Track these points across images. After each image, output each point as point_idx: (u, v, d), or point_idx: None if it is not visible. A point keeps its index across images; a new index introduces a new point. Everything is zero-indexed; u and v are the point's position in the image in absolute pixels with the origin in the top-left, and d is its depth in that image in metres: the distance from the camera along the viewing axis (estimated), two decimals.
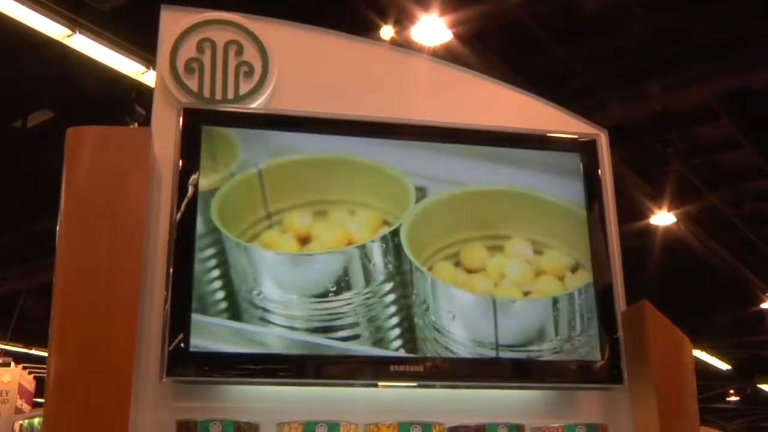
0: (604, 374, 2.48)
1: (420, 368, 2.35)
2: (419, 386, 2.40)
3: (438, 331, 2.40)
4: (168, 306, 2.27)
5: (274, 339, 2.30)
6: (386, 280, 2.41)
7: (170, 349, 2.23)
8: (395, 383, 2.36)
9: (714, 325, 10.37)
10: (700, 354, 11.12)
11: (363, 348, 2.34)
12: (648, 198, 8.83)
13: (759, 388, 14.19)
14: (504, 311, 2.45)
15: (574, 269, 2.53)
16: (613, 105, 6.87)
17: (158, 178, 2.45)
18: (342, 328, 2.34)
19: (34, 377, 8.87)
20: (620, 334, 2.52)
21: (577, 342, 2.47)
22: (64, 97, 6.90)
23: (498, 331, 2.42)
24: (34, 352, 9.96)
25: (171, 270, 2.29)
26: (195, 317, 2.26)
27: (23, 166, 7.60)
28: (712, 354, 11.59)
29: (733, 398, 15.22)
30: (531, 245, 2.53)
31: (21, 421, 7.69)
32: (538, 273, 2.51)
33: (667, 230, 9.20)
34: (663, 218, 9.08)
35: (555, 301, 2.49)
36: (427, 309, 2.42)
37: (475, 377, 2.42)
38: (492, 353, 2.40)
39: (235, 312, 2.30)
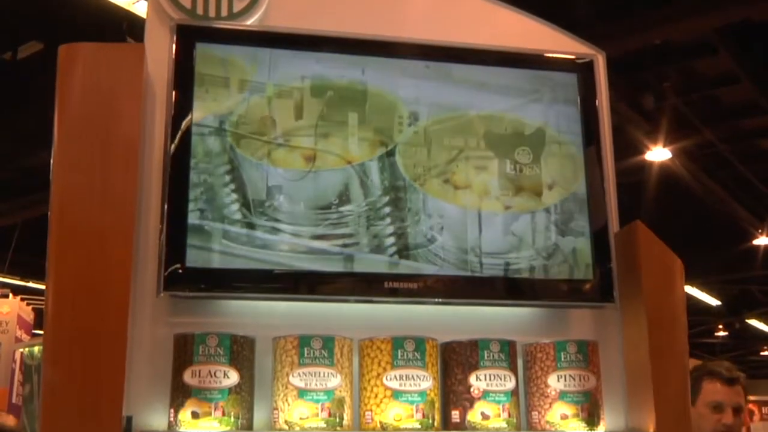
0: (595, 292, 2.51)
1: (414, 285, 2.39)
2: (413, 303, 2.43)
3: (428, 239, 2.46)
4: (164, 223, 2.29)
5: (279, 245, 2.34)
6: (383, 195, 2.47)
7: (167, 264, 2.25)
8: (390, 299, 2.39)
9: (705, 262, 10.46)
10: (690, 290, 11.26)
11: (361, 254, 2.39)
12: (643, 134, 8.82)
13: (747, 323, 14.42)
14: (487, 223, 2.52)
15: (551, 186, 2.60)
16: (610, 38, 6.80)
17: (152, 96, 2.44)
18: (343, 236, 2.39)
19: (33, 308, 8.96)
20: (613, 253, 2.55)
21: (561, 256, 2.53)
22: (54, 29, 6.80)
23: (482, 241, 2.50)
24: (31, 284, 10.04)
25: (167, 188, 2.31)
26: (196, 227, 2.28)
27: (14, 98, 7.53)
28: (702, 290, 11.74)
29: (722, 333, 15.49)
30: (514, 165, 2.59)
31: (21, 350, 7.81)
32: (519, 190, 2.57)
33: (662, 166, 9.21)
34: (658, 154, 9.07)
35: (533, 216, 2.56)
36: (419, 220, 2.47)
37: (468, 295, 2.46)
38: (476, 260, 2.47)
39: (243, 220, 2.34)
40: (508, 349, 2.34)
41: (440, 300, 2.44)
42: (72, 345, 2.12)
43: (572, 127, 2.67)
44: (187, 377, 2.16)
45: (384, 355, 2.24)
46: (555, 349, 2.36)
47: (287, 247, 2.35)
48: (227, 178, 2.37)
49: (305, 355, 2.20)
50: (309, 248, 2.37)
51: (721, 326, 15.37)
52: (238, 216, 2.35)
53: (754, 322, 14.43)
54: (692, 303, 11.61)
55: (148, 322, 2.34)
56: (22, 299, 8.85)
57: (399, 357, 2.24)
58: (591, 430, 2.32)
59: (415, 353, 2.25)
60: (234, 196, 2.36)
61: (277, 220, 2.37)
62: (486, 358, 2.30)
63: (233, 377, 2.17)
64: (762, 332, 15.16)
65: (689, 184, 9.50)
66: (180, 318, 2.34)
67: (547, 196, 2.60)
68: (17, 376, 8.22)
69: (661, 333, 2.46)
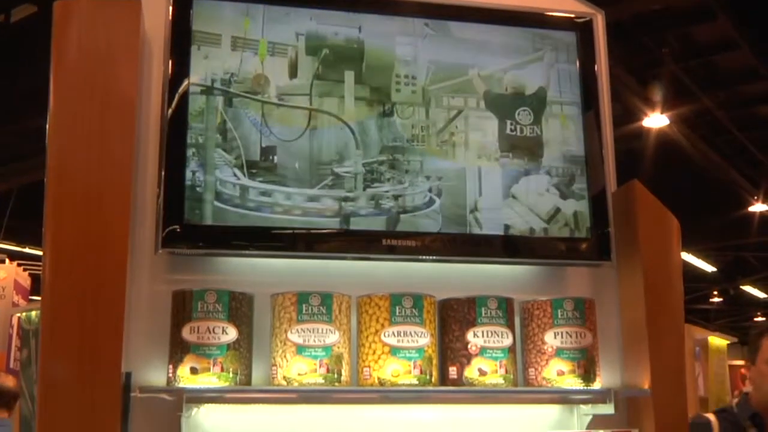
0: (592, 251, 2.53)
1: (412, 243, 2.39)
2: (411, 260, 2.44)
3: (427, 202, 2.46)
4: (162, 181, 2.28)
5: (274, 206, 2.34)
6: (380, 155, 2.46)
7: (165, 222, 2.25)
8: (388, 257, 2.40)
9: (702, 228, 10.49)
10: (686, 256, 11.30)
11: (358, 217, 2.38)
12: (641, 100, 8.79)
13: (742, 289, 14.51)
14: (487, 185, 2.52)
15: (551, 148, 2.60)
16: (609, 3, 6.73)
17: (148, 54, 2.42)
18: (339, 198, 2.38)
19: (30, 274, 8.96)
20: (610, 212, 2.56)
21: (563, 220, 2.53)
22: None
23: (481, 203, 2.50)
24: (28, 250, 10.03)
25: (165, 146, 2.30)
26: (192, 186, 2.28)
27: (8, 62, 7.47)
28: (698, 256, 11.79)
29: (717, 299, 15.59)
30: (514, 125, 2.58)
31: (19, 314, 7.82)
32: (519, 151, 2.57)
33: (660, 133, 9.19)
34: (656, 120, 9.04)
35: (533, 178, 2.56)
36: (417, 182, 2.47)
37: (466, 253, 2.47)
38: (475, 222, 2.48)
39: (237, 182, 2.34)
40: (506, 306, 2.35)
41: (438, 257, 2.45)
42: (70, 302, 2.12)
43: (573, 88, 2.66)
44: (186, 333, 2.17)
45: (382, 312, 2.25)
46: (552, 306, 2.37)
47: (282, 209, 2.34)
48: (220, 138, 2.35)
49: (303, 311, 2.21)
50: (304, 210, 2.35)
51: (716, 292, 15.47)
52: (231, 177, 2.33)
53: (748, 289, 14.52)
54: (688, 269, 11.66)
55: (146, 280, 2.34)
56: (19, 265, 8.85)
57: (397, 313, 2.25)
58: (587, 386, 2.34)
59: (413, 310, 2.26)
60: (227, 156, 2.34)
61: (271, 182, 2.35)
62: (483, 314, 2.31)
63: (232, 333, 2.18)
64: (756, 298, 15.28)
65: (686, 151, 9.49)
66: (178, 275, 2.35)
67: (548, 157, 2.58)
68: (14, 341, 8.24)
69: (657, 291, 2.47)
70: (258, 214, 2.32)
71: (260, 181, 2.34)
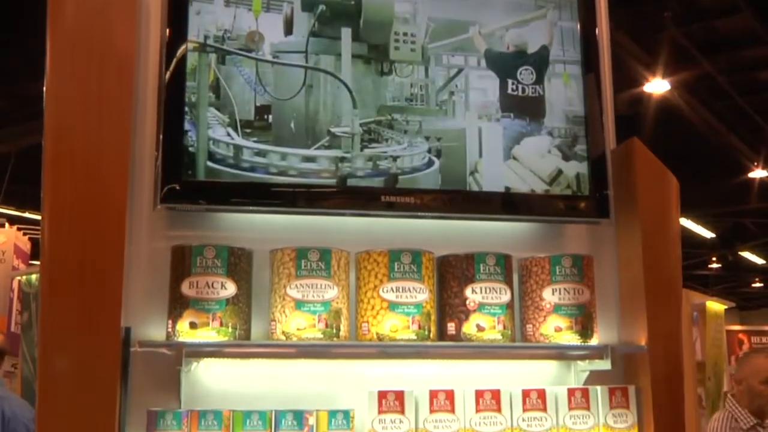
0: (591, 208, 2.52)
1: (411, 200, 2.39)
2: (410, 217, 2.44)
3: (426, 163, 2.44)
4: (161, 138, 2.27)
5: (269, 167, 2.32)
6: (378, 115, 2.43)
7: (164, 178, 2.24)
8: (386, 213, 2.40)
9: (701, 194, 10.47)
10: (685, 222, 11.32)
11: (355, 179, 2.37)
12: (642, 65, 8.72)
13: (740, 255, 14.54)
14: (488, 146, 2.50)
15: (554, 109, 2.58)
16: None
17: (146, 10, 2.40)
18: (336, 159, 2.36)
19: (29, 239, 8.96)
20: (609, 169, 2.55)
21: (565, 182, 2.52)
22: None
23: (482, 166, 2.48)
24: (27, 215, 10.01)
25: (163, 101, 2.29)
26: (188, 143, 2.27)
27: (5, 26, 7.40)
28: (697, 222, 11.79)
29: (715, 265, 15.65)
30: (516, 85, 2.56)
31: (19, 277, 7.85)
32: (521, 112, 2.55)
33: (661, 98, 9.13)
34: (657, 86, 8.98)
35: (528, 132, 2.54)
36: (416, 143, 2.45)
37: (465, 210, 2.46)
38: (475, 184, 2.46)
39: (231, 141, 2.31)
40: (504, 262, 2.35)
41: (437, 214, 2.44)
42: (70, 258, 2.13)
43: (577, 47, 2.62)
44: (185, 288, 2.17)
45: (380, 268, 2.26)
46: (550, 263, 2.38)
47: (277, 169, 2.32)
48: (213, 96, 2.31)
49: (302, 267, 2.21)
50: (300, 171, 2.33)
51: (714, 258, 15.51)
52: (224, 136, 2.30)
53: (747, 254, 14.55)
54: (686, 235, 11.66)
55: (145, 237, 2.35)
56: (19, 229, 8.85)
57: (395, 269, 2.25)
58: (584, 342, 2.36)
59: (412, 266, 2.26)
60: (220, 115, 2.31)
61: (266, 141, 2.33)
62: (482, 271, 2.31)
63: (231, 288, 2.19)
64: (754, 264, 15.32)
65: (687, 116, 9.44)
66: (177, 232, 2.35)
67: (550, 118, 2.56)
68: (15, 304, 8.28)
69: (655, 248, 2.48)
70: (252, 174, 2.30)
71: (254, 141, 2.32)
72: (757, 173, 10.67)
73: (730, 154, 10.30)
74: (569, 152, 2.54)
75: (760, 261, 15.28)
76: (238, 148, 2.31)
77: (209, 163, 2.28)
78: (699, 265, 15.45)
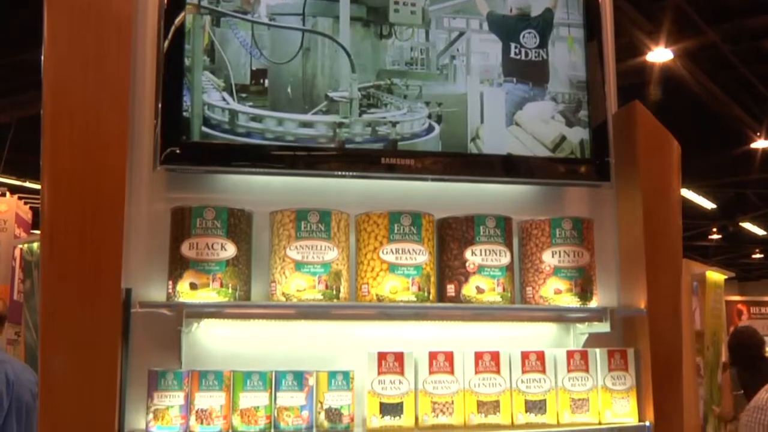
0: (592, 172, 2.51)
1: (411, 162, 2.38)
2: (410, 179, 2.43)
3: (426, 129, 2.42)
4: (160, 97, 2.26)
5: (265, 133, 2.30)
6: (377, 80, 2.40)
7: (163, 138, 2.23)
8: (387, 175, 2.39)
9: (702, 165, 10.44)
10: (686, 192, 11.29)
11: (353, 145, 2.35)
12: (645, 34, 8.65)
13: (741, 226, 14.52)
14: (490, 112, 2.47)
15: (558, 73, 2.55)
16: None
17: None
18: (334, 124, 2.34)
19: (30, 208, 8.97)
20: (610, 133, 2.54)
21: (569, 148, 2.50)
22: None
23: (484, 132, 2.46)
24: (28, 184, 10.01)
25: (162, 62, 2.27)
26: (186, 106, 2.26)
27: None
28: (698, 193, 11.76)
29: (715, 236, 15.64)
30: (519, 49, 2.53)
31: (21, 245, 7.87)
32: (524, 76, 2.52)
33: (664, 68, 9.07)
34: (660, 55, 8.92)
35: (531, 97, 2.51)
36: (416, 108, 2.43)
37: (466, 172, 2.45)
38: (476, 150, 2.44)
39: (226, 106, 2.29)
40: (504, 225, 2.35)
41: (437, 177, 2.43)
42: (70, 220, 2.13)
43: (582, 10, 2.58)
44: (185, 249, 2.18)
45: (380, 230, 2.26)
46: (550, 225, 2.38)
47: (273, 135, 2.30)
48: (207, 60, 2.28)
49: (302, 228, 2.21)
50: (297, 136, 2.31)
51: (714, 229, 15.50)
52: (219, 101, 2.27)
53: (747, 225, 14.53)
54: (687, 206, 11.65)
55: (144, 199, 2.35)
56: (20, 198, 8.85)
57: (395, 231, 2.25)
58: (584, 304, 2.36)
59: (412, 228, 2.26)
60: (215, 79, 2.28)
61: (262, 106, 2.30)
62: (482, 233, 2.31)
63: (230, 250, 2.19)
64: (755, 235, 15.31)
65: (690, 86, 9.38)
66: (177, 194, 2.35)
67: (554, 83, 2.53)
68: (17, 273, 8.30)
69: (655, 211, 2.48)
70: (248, 140, 2.28)
71: (250, 106, 2.29)
72: (760, 143, 10.63)
73: (732, 125, 10.25)
74: (573, 118, 2.52)
75: (760, 232, 15.27)
76: (233, 113, 2.28)
77: (204, 129, 2.26)
78: (699, 236, 15.44)
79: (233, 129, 2.28)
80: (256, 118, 2.30)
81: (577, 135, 2.52)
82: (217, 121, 2.27)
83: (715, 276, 11.42)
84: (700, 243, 15.98)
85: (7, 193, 8.82)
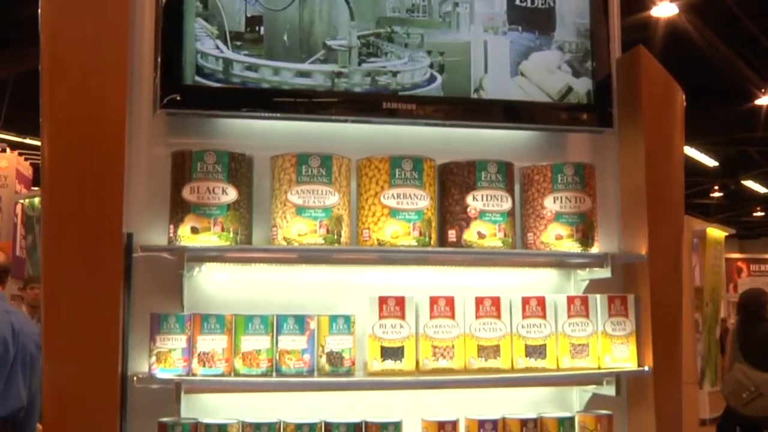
0: (594, 117, 2.49)
1: (413, 107, 2.36)
2: (412, 124, 2.41)
3: (428, 79, 2.38)
4: (160, 38, 2.23)
5: (260, 83, 2.27)
6: (377, 28, 2.36)
7: (163, 81, 2.21)
8: (388, 120, 2.38)
9: (706, 122, 10.37)
10: (688, 150, 11.24)
11: (354, 85, 2.32)
12: None
13: (743, 184, 14.48)
14: (494, 61, 2.44)
15: (565, 21, 2.50)
16: None
17: None
18: (332, 73, 2.31)
19: (31, 164, 8.95)
20: (613, 78, 2.52)
21: (575, 99, 2.47)
22: None
23: (487, 82, 2.42)
24: (28, 141, 9.98)
25: (161, 4, 2.24)
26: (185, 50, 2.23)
27: None
28: (700, 150, 11.70)
29: (717, 194, 15.59)
30: None
31: (22, 201, 7.87)
32: (530, 24, 2.47)
33: (668, 23, 8.97)
34: (665, 9, 8.81)
35: (537, 47, 2.47)
36: (417, 57, 2.39)
37: (467, 118, 2.43)
38: (476, 95, 2.41)
39: (220, 55, 2.25)
40: (506, 170, 2.34)
41: (439, 122, 2.41)
42: (70, 164, 2.12)
43: None
44: (186, 193, 2.17)
45: (382, 174, 2.25)
46: (552, 171, 2.37)
47: (269, 85, 2.26)
48: (200, 6, 2.24)
49: (303, 173, 2.20)
50: (293, 86, 2.28)
51: (716, 187, 15.45)
52: (213, 49, 2.23)
53: (749, 183, 14.47)
54: (689, 163, 11.58)
55: (145, 143, 2.33)
56: (20, 154, 8.83)
57: (397, 176, 2.24)
58: (585, 250, 2.36)
59: (413, 172, 2.25)
60: (208, 26, 2.24)
61: (257, 55, 2.26)
62: (483, 178, 2.31)
63: (232, 194, 2.18)
64: (757, 193, 15.26)
65: (695, 41, 9.29)
66: (177, 139, 2.33)
67: (561, 31, 2.48)
68: (19, 229, 8.32)
69: (658, 157, 2.46)
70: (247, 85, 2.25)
71: (245, 55, 2.25)
72: (764, 100, 10.55)
73: (737, 81, 10.17)
74: (580, 68, 2.48)
75: (762, 189, 15.23)
76: (227, 62, 2.25)
77: (197, 78, 2.22)
78: (700, 194, 15.41)
79: (227, 78, 2.24)
80: (251, 68, 2.26)
81: (584, 86, 2.48)
82: (211, 70, 2.23)
83: (716, 233, 11.42)
84: (702, 201, 15.95)
85: (7, 149, 8.81)
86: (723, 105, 10.65)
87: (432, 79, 2.40)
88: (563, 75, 2.47)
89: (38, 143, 2.22)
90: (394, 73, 2.36)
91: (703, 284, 10.65)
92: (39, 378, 3.42)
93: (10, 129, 10.13)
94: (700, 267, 10.55)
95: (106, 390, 2.07)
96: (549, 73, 2.47)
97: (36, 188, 9.02)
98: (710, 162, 12.50)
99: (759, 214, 17.67)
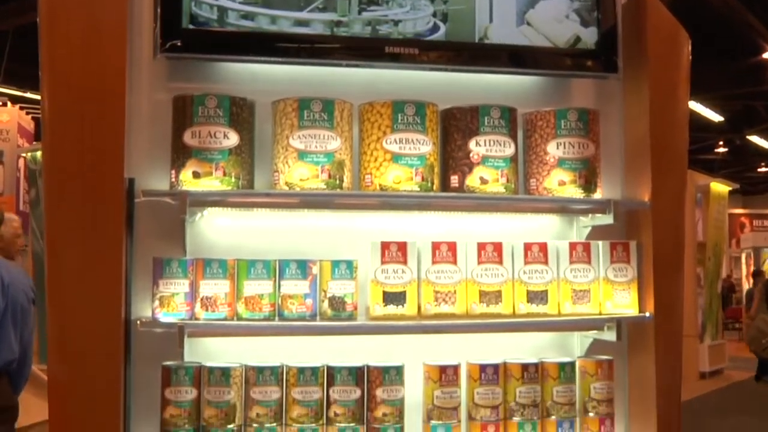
0: (599, 63, 2.47)
1: (416, 51, 2.33)
2: (414, 69, 2.39)
3: (431, 28, 2.34)
4: None
5: (265, 23, 2.24)
6: None
7: (163, 23, 2.18)
8: (391, 65, 2.35)
9: (712, 76, 10.27)
10: (693, 104, 11.15)
11: (354, 35, 2.28)
12: None
13: (748, 139, 14.40)
14: (499, 10, 2.39)
15: None
16: None
17: None
18: (331, 23, 2.27)
19: (33, 118, 8.92)
20: (619, 23, 2.48)
21: (581, 46, 2.44)
22: None
23: (492, 31, 2.38)
24: (29, 95, 9.92)
25: None
26: None
27: None
28: (706, 105, 11.62)
29: (722, 150, 15.52)
30: None
31: (24, 155, 7.86)
32: None
33: None
34: None
35: (552, 3, 2.42)
36: (420, 5, 2.34)
37: (471, 63, 2.41)
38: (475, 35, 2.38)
39: (215, 3, 2.21)
40: (509, 115, 2.32)
41: (442, 66, 2.39)
42: (71, 110, 2.11)
43: None
44: (187, 138, 2.16)
45: (384, 119, 2.24)
46: (555, 116, 2.35)
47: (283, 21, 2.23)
48: None
49: (305, 117, 2.19)
50: (290, 36, 2.25)
51: (721, 143, 15.35)
52: None
53: (755, 138, 14.39)
54: (694, 119, 11.52)
55: (145, 88, 2.32)
56: (21, 108, 8.79)
57: (399, 121, 2.23)
58: (587, 196, 2.35)
59: (415, 117, 2.24)
60: None
61: (254, 3, 2.22)
62: (486, 124, 2.29)
63: (233, 138, 2.17)
64: (762, 148, 15.16)
65: None
66: (178, 83, 2.31)
67: None
68: (22, 183, 8.33)
69: (662, 103, 2.44)
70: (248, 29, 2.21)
71: (240, 2, 2.21)
72: None
73: (744, 34, 10.04)
74: (589, 17, 2.44)
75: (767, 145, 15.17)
76: (222, 10, 2.21)
77: (190, 27, 2.19)
78: (705, 149, 15.32)
79: (222, 28, 2.20)
80: (247, 16, 2.22)
81: (593, 35, 2.44)
82: (205, 19, 2.20)
83: (720, 187, 11.42)
84: (706, 156, 15.88)
85: (8, 103, 8.77)
86: (730, 58, 10.53)
87: (435, 29, 2.36)
88: (571, 24, 2.43)
89: (39, 97, 2.21)
90: (396, 22, 2.32)
91: (705, 239, 10.68)
92: (30, 330, 3.44)
93: (10, 83, 10.07)
94: (703, 222, 10.57)
95: (110, 334, 2.09)
96: (557, 23, 2.43)
97: (38, 142, 9.00)
98: (716, 117, 12.42)
99: (763, 169, 17.60)
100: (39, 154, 7.27)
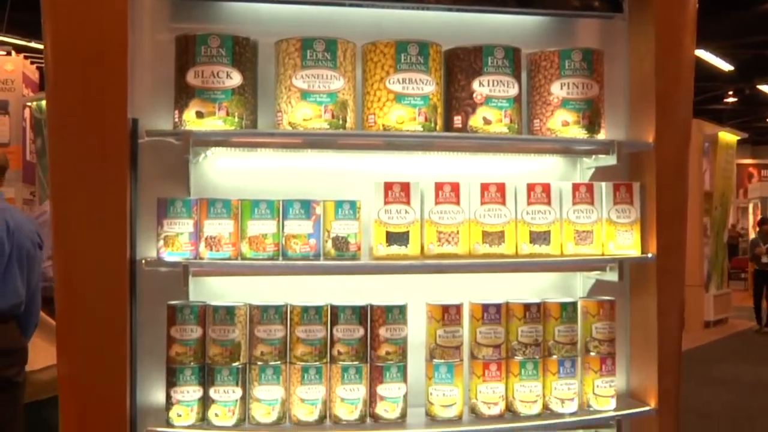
0: (604, 3, 2.44)
1: None
2: (418, 8, 2.37)
3: None
4: None
5: None
6: None
7: None
8: (394, 4, 2.33)
9: (721, 24, 10.12)
10: (703, 54, 11.01)
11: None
12: None
13: (758, 89, 14.23)
14: None
15: None
16: None
17: None
18: None
19: (37, 68, 8.87)
20: None
21: None
22: None
23: None
24: (33, 44, 9.86)
25: None
26: None
27: None
28: (715, 54, 11.47)
29: (731, 99, 15.35)
30: None
31: (30, 104, 7.84)
32: None
33: None
34: None
35: None
36: None
37: (474, 2, 2.39)
38: None
39: None
40: (513, 56, 2.31)
41: (445, 6, 2.36)
42: (74, 51, 2.11)
43: None
44: (190, 78, 2.16)
45: (387, 59, 2.22)
46: (559, 57, 2.33)
47: None
48: None
49: (308, 57, 2.18)
50: None
51: (731, 92, 15.18)
52: None
53: (765, 88, 14.22)
54: (703, 68, 11.38)
55: (148, 28, 2.31)
56: (26, 57, 8.75)
57: (402, 61, 2.21)
58: (591, 136, 2.35)
59: (419, 57, 2.22)
60: None
61: None
62: (490, 64, 2.27)
63: (236, 78, 2.17)
64: None
65: None
66: (181, 24, 2.30)
67: None
68: (28, 133, 8.32)
69: (667, 44, 2.42)
70: None
71: None
72: None
73: None
74: None
75: None
76: None
77: None
78: (714, 99, 15.16)
79: None
80: None
81: None
82: None
83: (728, 137, 11.35)
84: (714, 107, 15.72)
85: (13, 53, 8.72)
86: (739, 6, 10.35)
87: None
88: None
89: (43, 46, 2.22)
90: None
91: (712, 189, 10.65)
92: (38, 275, 3.47)
93: (14, 32, 10.00)
94: (710, 171, 10.52)
95: (115, 274, 2.12)
96: None
97: (43, 91, 8.97)
98: (725, 66, 12.26)
99: None
100: (44, 103, 7.26)
